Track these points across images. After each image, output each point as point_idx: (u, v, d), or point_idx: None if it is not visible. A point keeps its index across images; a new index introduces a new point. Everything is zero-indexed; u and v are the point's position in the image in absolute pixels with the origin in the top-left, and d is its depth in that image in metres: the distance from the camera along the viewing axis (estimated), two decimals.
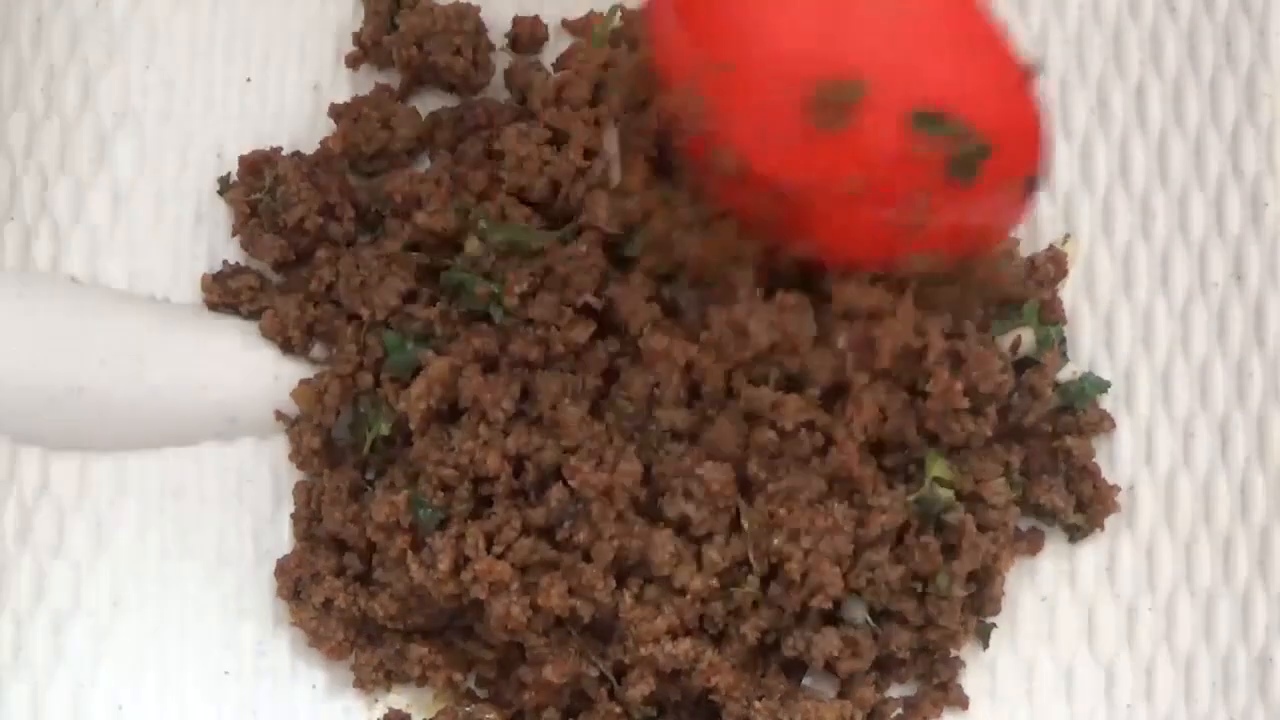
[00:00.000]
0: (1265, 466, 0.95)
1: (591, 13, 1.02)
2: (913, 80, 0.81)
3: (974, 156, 0.82)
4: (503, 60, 1.01)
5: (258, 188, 0.98)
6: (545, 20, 1.02)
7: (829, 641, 0.90)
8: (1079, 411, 0.95)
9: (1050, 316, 0.96)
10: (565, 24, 1.02)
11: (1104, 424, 0.96)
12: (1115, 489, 0.95)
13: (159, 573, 0.96)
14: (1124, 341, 0.97)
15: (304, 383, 0.95)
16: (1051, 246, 0.98)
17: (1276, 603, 0.93)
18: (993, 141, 0.82)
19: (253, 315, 0.98)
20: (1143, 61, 1.00)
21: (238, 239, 0.99)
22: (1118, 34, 1.00)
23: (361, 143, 0.98)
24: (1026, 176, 0.86)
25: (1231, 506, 0.95)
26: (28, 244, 0.99)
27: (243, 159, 0.99)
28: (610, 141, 0.94)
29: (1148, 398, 0.97)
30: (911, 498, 0.91)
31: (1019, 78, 0.85)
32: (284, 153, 1.00)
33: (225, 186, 1.00)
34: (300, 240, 0.97)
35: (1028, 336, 0.95)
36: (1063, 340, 0.97)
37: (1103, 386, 0.96)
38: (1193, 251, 0.98)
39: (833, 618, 0.91)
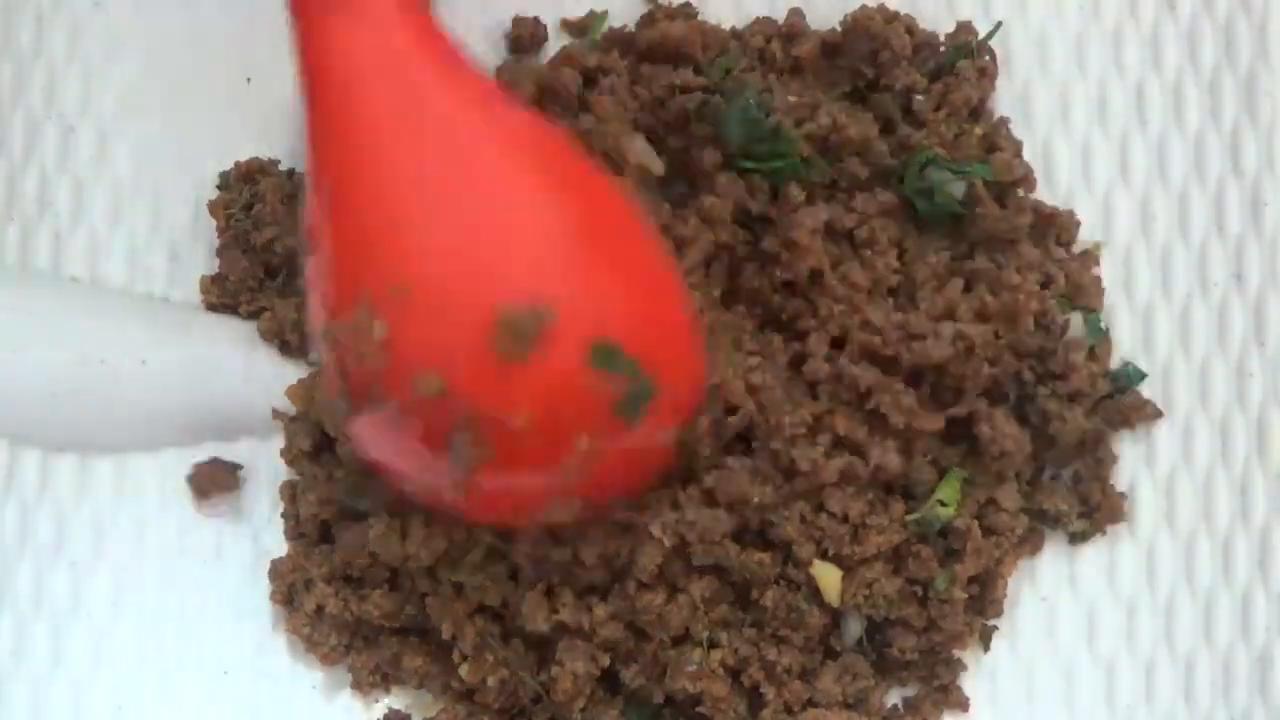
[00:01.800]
0: (1265, 466, 0.95)
1: (591, 12, 1.02)
2: (594, 312, 0.77)
3: (640, 398, 0.78)
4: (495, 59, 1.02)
5: (238, 201, 0.98)
6: (545, 20, 1.02)
7: (827, 682, 0.90)
8: (1120, 397, 0.95)
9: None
10: (565, 24, 1.02)
11: (1148, 410, 0.96)
12: (1123, 497, 0.95)
13: (159, 573, 0.96)
14: (1124, 342, 0.97)
15: (300, 382, 0.95)
16: (1094, 262, 0.98)
17: (1276, 603, 0.93)
18: (658, 384, 0.78)
19: (252, 315, 0.98)
20: (1143, 61, 1.00)
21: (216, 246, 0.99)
22: (1118, 34, 1.00)
23: None
24: (677, 429, 0.83)
25: (1231, 506, 0.95)
26: (27, 244, 0.99)
27: (238, 165, 0.99)
28: (639, 145, 0.94)
29: (1148, 398, 0.96)
30: (911, 517, 0.91)
31: (686, 322, 0.82)
32: (282, 164, 1.00)
33: (225, 185, 1.00)
34: (270, 260, 0.98)
35: (1076, 321, 0.95)
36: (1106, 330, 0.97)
37: (1140, 377, 0.96)
38: (1192, 252, 0.98)
39: (830, 648, 0.92)
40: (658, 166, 0.93)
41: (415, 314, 0.76)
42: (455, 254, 0.76)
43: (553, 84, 0.96)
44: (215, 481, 0.96)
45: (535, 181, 0.79)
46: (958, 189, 0.94)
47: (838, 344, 0.91)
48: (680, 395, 0.82)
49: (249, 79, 1.02)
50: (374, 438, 0.81)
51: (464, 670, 0.90)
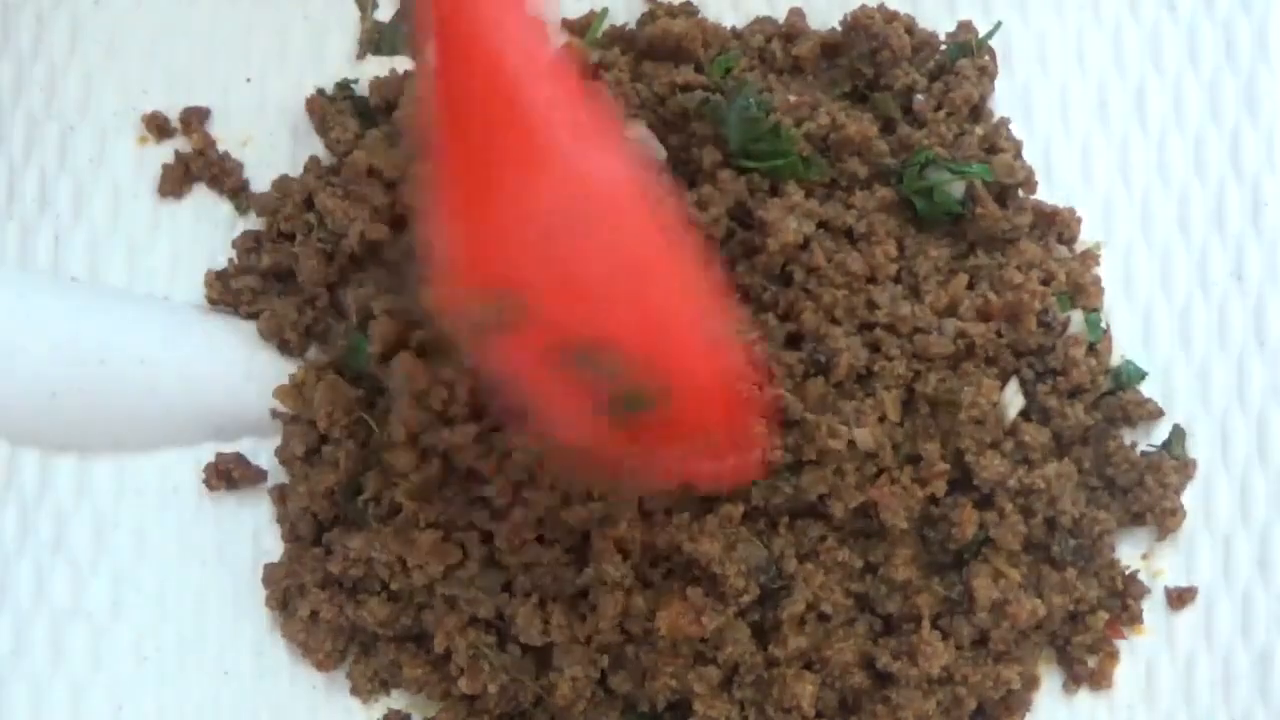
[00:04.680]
0: (1265, 466, 0.95)
1: (591, 12, 1.02)
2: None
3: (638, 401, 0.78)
4: None
5: (292, 215, 0.98)
6: (545, 20, 1.02)
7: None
8: (1120, 395, 0.95)
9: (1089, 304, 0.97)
10: (565, 24, 1.02)
11: (1148, 408, 0.95)
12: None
13: (159, 573, 0.96)
14: (1124, 341, 0.97)
15: (290, 379, 0.95)
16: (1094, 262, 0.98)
17: (1276, 602, 0.93)
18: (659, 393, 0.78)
19: (252, 315, 0.98)
20: (1142, 61, 1.00)
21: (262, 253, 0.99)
22: (1117, 34, 1.00)
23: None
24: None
25: (1231, 506, 0.95)
26: (27, 244, 0.99)
27: (275, 184, 0.99)
28: (640, 131, 0.94)
29: (1148, 396, 0.96)
30: None
31: (700, 343, 0.81)
32: (282, 164, 1.00)
33: (242, 207, 1.00)
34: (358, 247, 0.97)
35: (1076, 318, 0.95)
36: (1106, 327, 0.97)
37: (1140, 376, 0.96)
38: (1192, 251, 0.98)
39: None
40: (660, 152, 0.93)
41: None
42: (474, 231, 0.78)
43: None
44: (230, 477, 0.95)
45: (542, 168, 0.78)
46: (957, 189, 0.94)
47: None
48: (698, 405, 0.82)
49: (249, 79, 1.02)
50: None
51: (462, 683, 0.89)
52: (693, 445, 0.83)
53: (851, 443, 0.88)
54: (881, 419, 0.88)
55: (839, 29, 0.99)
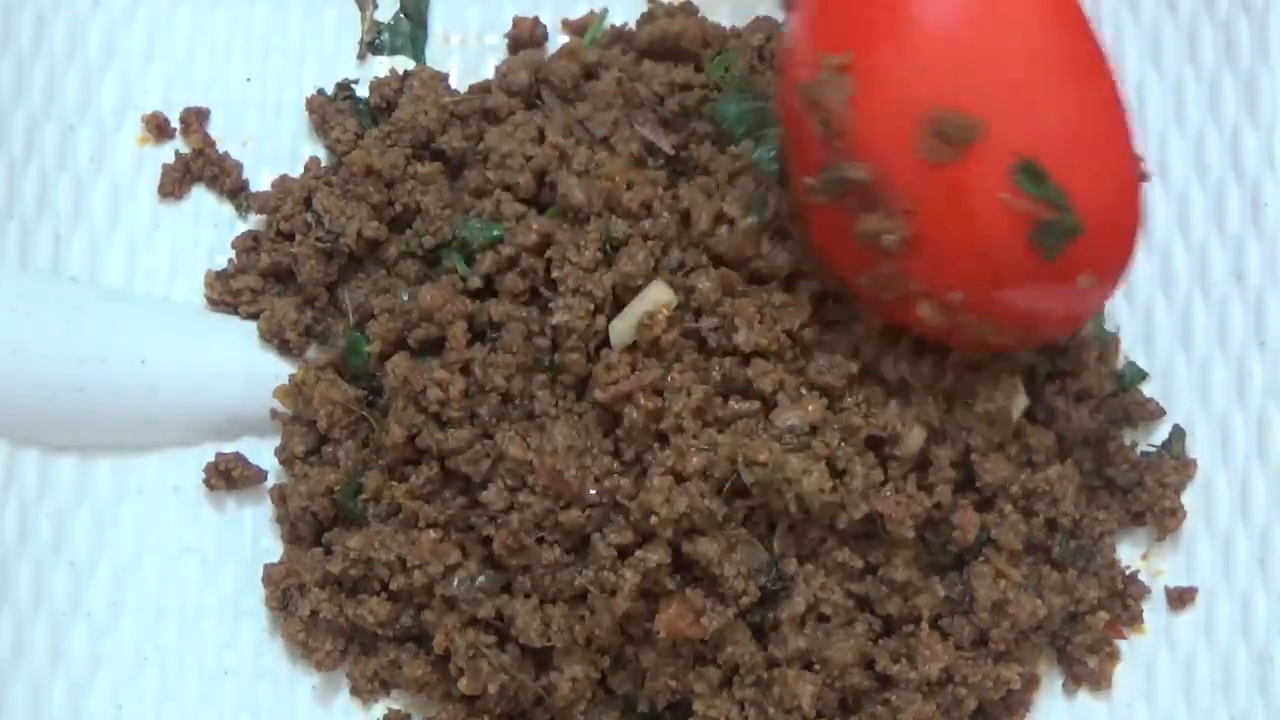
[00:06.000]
0: (1265, 466, 0.95)
1: (591, 13, 1.02)
2: (1029, 133, 0.78)
3: (1061, 232, 0.79)
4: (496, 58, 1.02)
5: (291, 215, 0.98)
6: (545, 20, 1.02)
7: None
8: (1122, 395, 0.95)
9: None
10: (565, 24, 1.02)
11: (1150, 408, 0.96)
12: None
13: (159, 573, 0.96)
14: (1124, 341, 0.97)
15: (290, 379, 0.95)
16: None
17: (1276, 602, 0.93)
18: (1084, 225, 0.79)
19: (251, 316, 0.98)
20: (1142, 61, 1.00)
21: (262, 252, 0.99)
22: (1118, 34, 1.00)
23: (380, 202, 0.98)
24: (1102, 279, 0.83)
25: (1231, 506, 0.95)
26: (27, 244, 0.99)
27: (275, 184, 0.99)
28: (648, 123, 0.94)
29: (1149, 396, 0.96)
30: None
31: (1131, 178, 0.82)
32: (281, 162, 1.00)
33: (242, 207, 1.00)
34: (356, 246, 0.97)
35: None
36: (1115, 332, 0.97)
37: (1141, 376, 0.96)
38: (1192, 251, 0.98)
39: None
40: (666, 144, 0.93)
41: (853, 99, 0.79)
42: (899, 42, 0.79)
43: (549, 75, 0.96)
44: (230, 477, 0.95)
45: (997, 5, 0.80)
46: None
47: None
48: (1106, 251, 0.82)
49: (249, 79, 1.02)
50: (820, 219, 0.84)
51: (462, 684, 0.89)
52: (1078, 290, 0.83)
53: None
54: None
55: None
